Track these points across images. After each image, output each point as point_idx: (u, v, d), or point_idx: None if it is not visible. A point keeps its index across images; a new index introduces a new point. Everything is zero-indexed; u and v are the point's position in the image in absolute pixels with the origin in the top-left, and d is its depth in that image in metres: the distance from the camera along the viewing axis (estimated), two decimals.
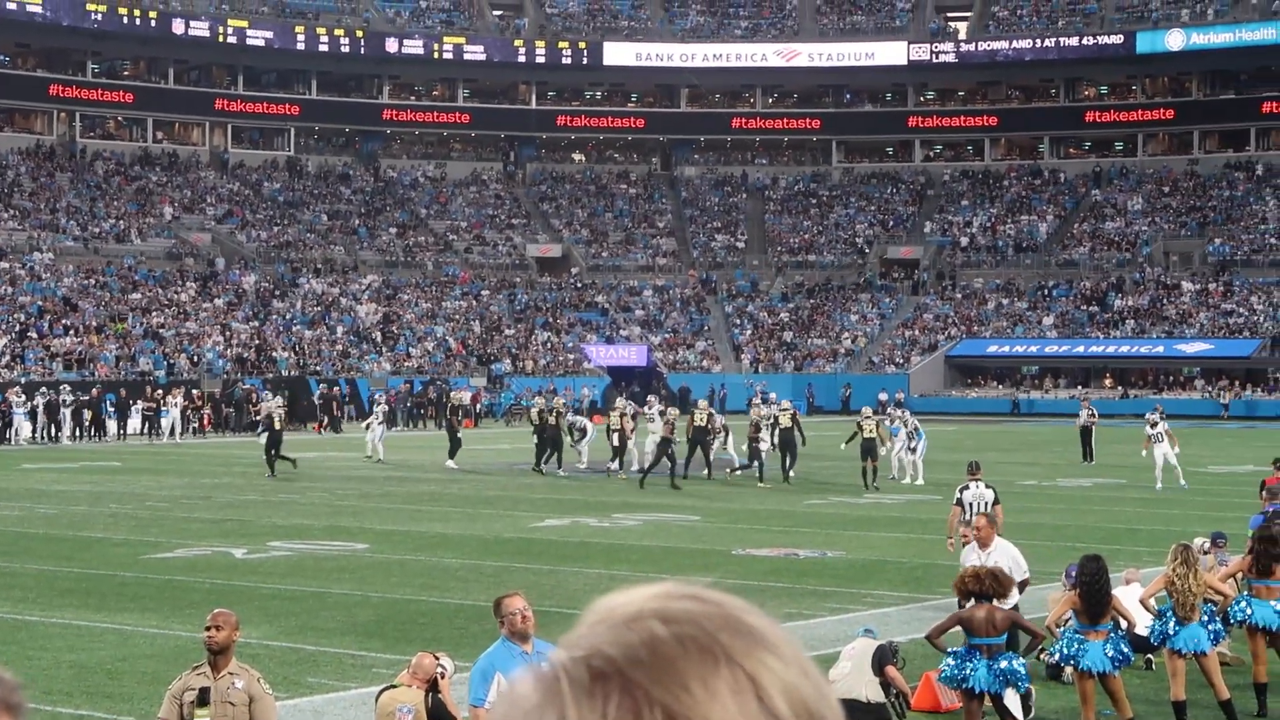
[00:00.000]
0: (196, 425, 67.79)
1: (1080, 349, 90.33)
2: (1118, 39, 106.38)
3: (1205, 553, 19.95)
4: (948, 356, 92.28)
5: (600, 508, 36.31)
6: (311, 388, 75.42)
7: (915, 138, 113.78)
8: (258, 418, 54.60)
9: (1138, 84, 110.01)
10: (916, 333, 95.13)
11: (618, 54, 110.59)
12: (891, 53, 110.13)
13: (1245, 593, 17.29)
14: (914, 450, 43.46)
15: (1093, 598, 15.15)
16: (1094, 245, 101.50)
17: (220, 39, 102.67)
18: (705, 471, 44.02)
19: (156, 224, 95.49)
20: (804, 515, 35.30)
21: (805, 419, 50.14)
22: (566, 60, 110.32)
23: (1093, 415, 52.00)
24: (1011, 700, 14.77)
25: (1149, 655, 18.37)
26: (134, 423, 65.58)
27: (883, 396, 64.39)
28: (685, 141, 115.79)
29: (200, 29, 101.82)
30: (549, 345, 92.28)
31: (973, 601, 14.65)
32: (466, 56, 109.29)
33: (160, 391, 66.90)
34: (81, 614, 21.80)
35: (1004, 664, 14.39)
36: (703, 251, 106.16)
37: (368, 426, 53.49)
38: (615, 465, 46.37)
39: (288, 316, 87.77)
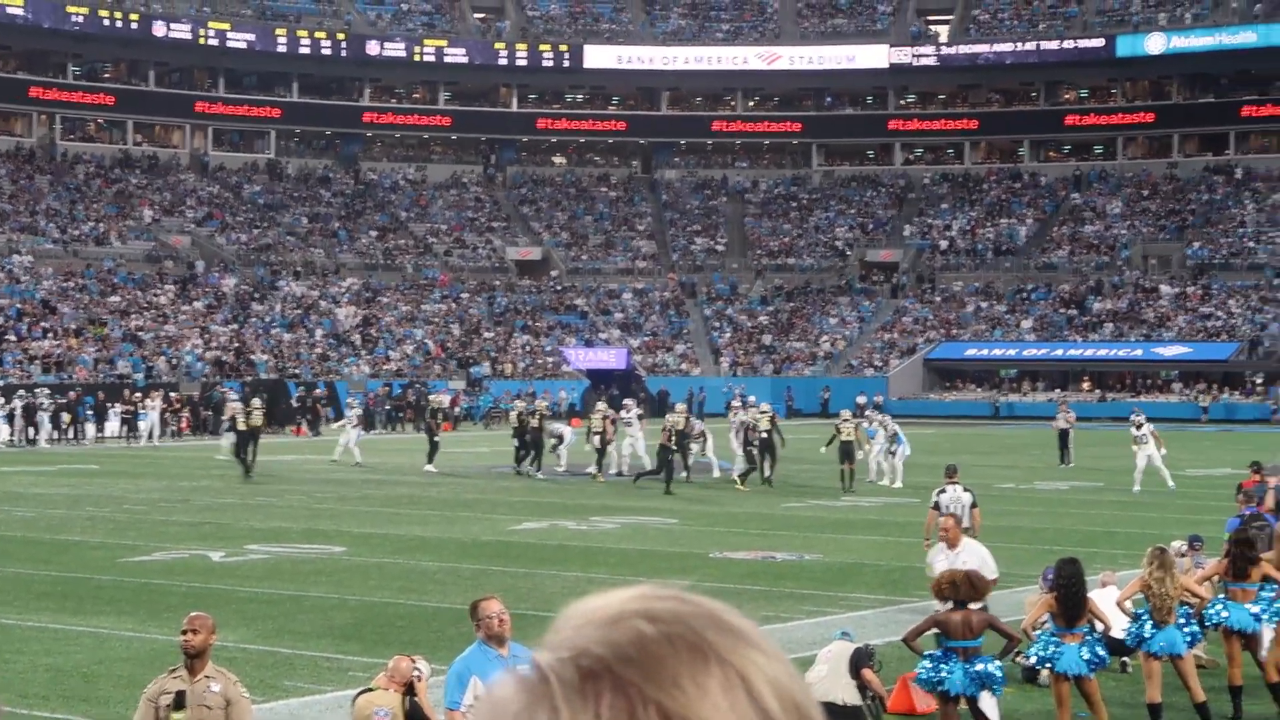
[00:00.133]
0: (175, 428, 67.68)
1: (1059, 352, 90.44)
2: (1098, 42, 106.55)
3: (1182, 555, 20.01)
4: (926, 360, 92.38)
5: (578, 510, 36.30)
6: (290, 391, 75.33)
7: (895, 141, 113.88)
8: (223, 419, 54.80)
9: (1118, 87, 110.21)
10: (895, 336, 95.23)
11: (599, 57, 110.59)
12: (872, 56, 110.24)
13: (1221, 595, 17.34)
14: (894, 454, 43.50)
15: (1069, 600, 15.18)
16: (1073, 248, 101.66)
17: (201, 41, 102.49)
18: (684, 474, 43.99)
19: (136, 227, 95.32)
20: (781, 518, 35.32)
21: (784, 422, 50.08)
22: (548, 63, 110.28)
23: (1070, 418, 52.12)
24: (987, 703, 14.79)
25: (1125, 658, 18.42)
26: (112, 426, 65.49)
27: (861, 399, 64.52)
28: (666, 144, 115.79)
29: (181, 31, 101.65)
30: (528, 348, 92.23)
31: (950, 604, 14.67)
32: (447, 59, 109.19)
33: (139, 394, 66.76)
34: (58, 617, 21.76)
35: (980, 666, 14.41)
36: (682, 254, 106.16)
37: (342, 428, 53.52)
38: (594, 469, 46.32)
39: (267, 319, 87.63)
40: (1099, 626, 15.87)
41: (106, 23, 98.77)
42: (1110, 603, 17.06)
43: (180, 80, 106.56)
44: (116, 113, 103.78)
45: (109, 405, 65.90)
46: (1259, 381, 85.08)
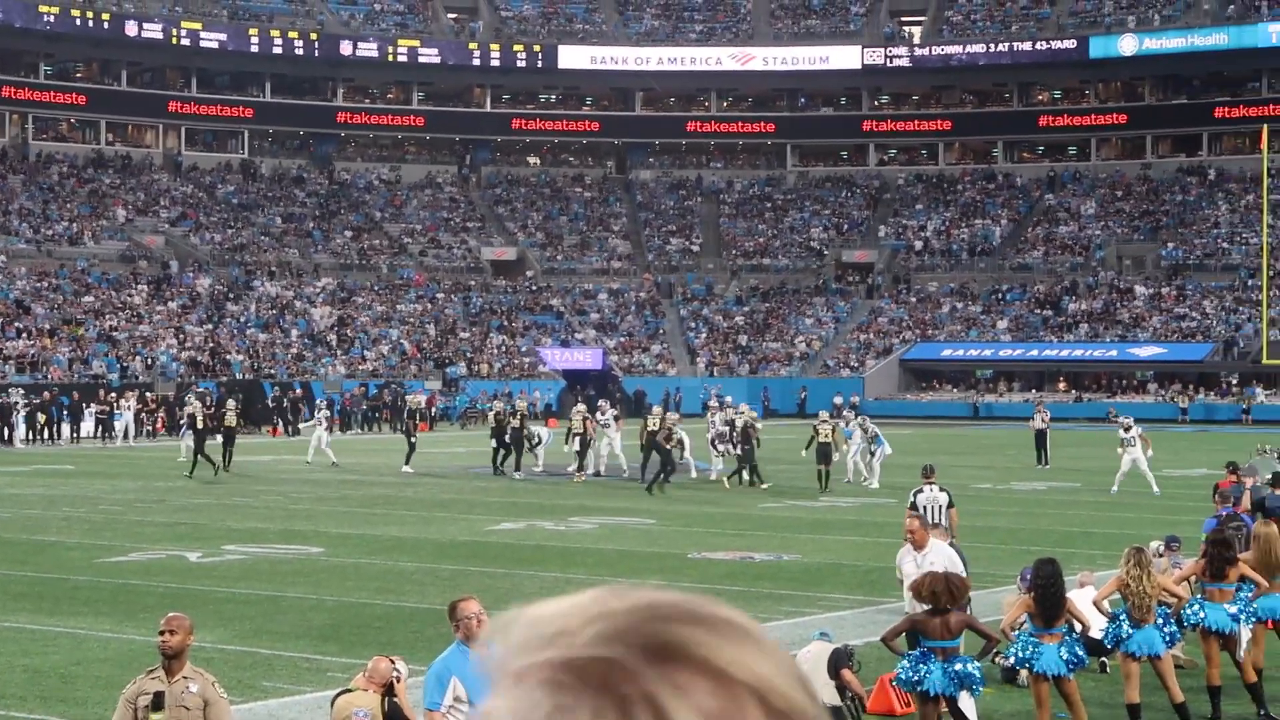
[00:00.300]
0: (150, 428, 67.53)
1: (1034, 353, 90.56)
2: (1070, 44, 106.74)
3: (1160, 556, 20.04)
4: (902, 360, 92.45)
5: (556, 511, 36.28)
6: (266, 391, 75.21)
7: (870, 142, 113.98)
8: (180, 420, 54.72)
9: (1091, 88, 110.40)
10: (871, 336, 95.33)
11: (572, 57, 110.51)
12: (846, 57, 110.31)
13: (1199, 596, 17.37)
14: (873, 454, 43.53)
15: (1047, 601, 15.19)
16: (1048, 249, 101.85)
17: (174, 41, 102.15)
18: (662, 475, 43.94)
19: (110, 226, 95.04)
20: (760, 519, 35.34)
21: (761, 422, 50.07)
22: (521, 63, 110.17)
23: (1046, 418, 52.23)
24: (966, 703, 14.80)
25: (1103, 658, 18.44)
26: (87, 426, 65.28)
27: (838, 400, 64.50)
28: (640, 145, 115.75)
29: (153, 31, 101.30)
30: (504, 348, 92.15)
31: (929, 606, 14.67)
32: (421, 59, 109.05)
33: (114, 395, 66.59)
34: (35, 618, 21.69)
35: (959, 667, 14.41)
36: (658, 255, 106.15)
37: (312, 429, 53.50)
38: (574, 469, 46.27)
39: (242, 319, 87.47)
40: (1078, 627, 15.90)
41: (78, 22, 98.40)
42: (1088, 603, 17.09)
43: (153, 80, 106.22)
44: (89, 112, 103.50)
45: (84, 406, 65.72)
46: (1234, 382, 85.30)
